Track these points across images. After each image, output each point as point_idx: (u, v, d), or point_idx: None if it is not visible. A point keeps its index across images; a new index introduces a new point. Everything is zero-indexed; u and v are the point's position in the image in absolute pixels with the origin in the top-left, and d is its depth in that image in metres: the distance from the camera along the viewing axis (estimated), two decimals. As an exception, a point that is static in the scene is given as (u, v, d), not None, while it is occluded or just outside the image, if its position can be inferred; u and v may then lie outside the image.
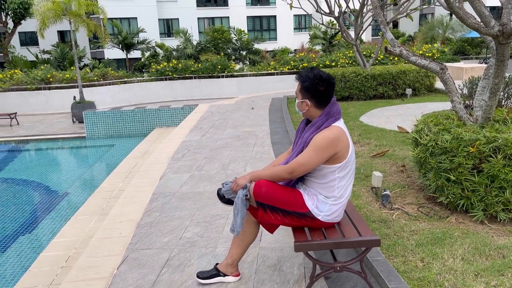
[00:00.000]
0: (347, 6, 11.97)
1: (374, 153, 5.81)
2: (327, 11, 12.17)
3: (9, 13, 27.74)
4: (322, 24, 13.76)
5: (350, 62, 18.39)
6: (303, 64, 19.26)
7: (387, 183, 4.60)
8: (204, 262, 3.26)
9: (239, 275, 2.96)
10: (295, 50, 28.00)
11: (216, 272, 2.92)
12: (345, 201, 2.68)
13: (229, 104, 13.01)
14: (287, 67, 19.62)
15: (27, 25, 32.23)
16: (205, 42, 23.99)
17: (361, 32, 12.33)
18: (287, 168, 2.56)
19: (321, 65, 18.39)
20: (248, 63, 23.77)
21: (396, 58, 17.88)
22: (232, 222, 2.70)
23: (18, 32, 34.34)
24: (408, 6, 11.00)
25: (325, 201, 2.62)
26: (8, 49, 29.45)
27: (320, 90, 2.57)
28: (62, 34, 37.80)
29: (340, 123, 2.60)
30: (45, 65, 21.45)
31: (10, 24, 29.44)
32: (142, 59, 25.20)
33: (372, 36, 38.93)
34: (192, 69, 19.69)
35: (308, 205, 2.61)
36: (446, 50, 20.23)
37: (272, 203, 2.60)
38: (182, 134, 8.51)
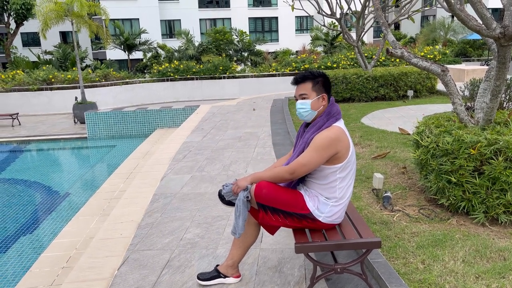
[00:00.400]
0: (349, 8, 11.99)
1: (375, 154, 5.81)
2: (329, 12, 12.19)
3: (12, 14, 27.80)
4: (324, 25, 13.78)
5: (352, 63, 18.39)
6: (305, 66, 19.27)
7: (388, 184, 4.60)
8: (205, 263, 3.26)
9: (239, 277, 2.96)
10: (296, 51, 28.01)
11: (216, 274, 2.92)
12: (346, 203, 2.68)
13: (230, 105, 13.03)
14: (288, 68, 19.63)
15: (29, 26, 32.31)
16: (207, 43, 24.02)
17: (363, 33, 12.34)
18: (288, 168, 2.57)
19: (322, 67, 18.40)
20: (249, 64, 23.78)
21: (397, 60, 17.87)
22: (233, 224, 2.70)
23: (20, 32, 34.47)
24: (409, 8, 11.01)
25: (326, 202, 2.62)
26: (10, 50, 29.51)
27: (330, 83, 2.72)
28: (64, 35, 37.88)
29: (340, 123, 2.62)
30: (47, 65, 21.48)
31: (13, 25, 29.53)
32: (144, 60, 25.23)
33: (374, 37, 38.92)
34: (194, 70, 19.71)
35: (309, 206, 2.61)
36: (447, 52, 20.22)
37: (273, 205, 2.60)
38: (183, 135, 8.52)
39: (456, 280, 2.71)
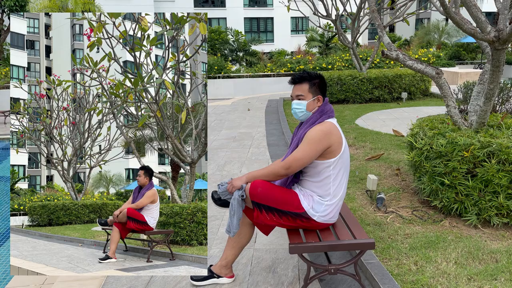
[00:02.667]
0: (344, 9, 12.02)
1: (369, 156, 5.83)
2: (324, 13, 12.21)
3: (5, 10, 27.57)
4: (319, 26, 13.82)
5: (347, 65, 18.43)
6: (300, 66, 19.29)
7: (382, 186, 4.62)
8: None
9: (233, 277, 2.95)
10: (292, 52, 28.02)
11: (210, 274, 2.91)
12: (340, 202, 2.70)
13: (225, 105, 13.02)
14: (283, 69, 19.63)
15: (23, 22, 32.02)
16: (202, 43, 23.96)
17: (358, 35, 12.38)
18: (283, 164, 2.59)
19: (317, 68, 18.43)
20: (244, 64, 23.78)
21: (392, 62, 17.95)
22: (228, 223, 2.70)
23: (14, 29, 34.14)
24: (405, 10, 11.07)
25: (321, 201, 2.63)
26: (4, 47, 29.26)
27: (326, 85, 2.76)
28: (58, 32, 37.61)
29: (333, 120, 2.68)
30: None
31: (6, 22, 29.25)
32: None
33: (369, 39, 39.05)
34: (189, 69, 19.64)
35: (304, 205, 2.62)
36: (441, 54, 20.34)
37: (268, 203, 2.60)
38: (177, 135, 8.48)
39: (449, 282, 2.73)
